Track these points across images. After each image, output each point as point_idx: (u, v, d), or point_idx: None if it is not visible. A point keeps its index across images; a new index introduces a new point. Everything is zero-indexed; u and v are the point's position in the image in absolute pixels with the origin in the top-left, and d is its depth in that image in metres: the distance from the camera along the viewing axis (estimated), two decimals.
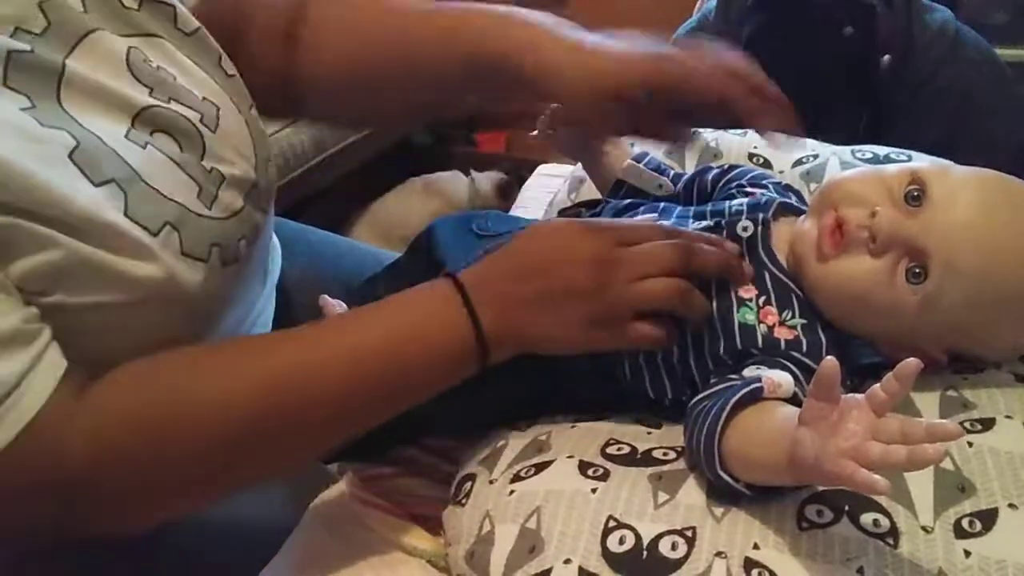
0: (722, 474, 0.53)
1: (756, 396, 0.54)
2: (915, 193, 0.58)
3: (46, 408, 0.50)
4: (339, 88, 0.75)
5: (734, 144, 0.91)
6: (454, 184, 2.06)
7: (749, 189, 0.73)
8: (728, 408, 0.53)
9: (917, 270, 0.57)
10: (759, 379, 0.54)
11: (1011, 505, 0.51)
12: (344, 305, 0.84)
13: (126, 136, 0.57)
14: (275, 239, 0.81)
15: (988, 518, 0.50)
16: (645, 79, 0.58)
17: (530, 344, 0.61)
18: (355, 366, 0.58)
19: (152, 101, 0.59)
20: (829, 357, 0.46)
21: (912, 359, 0.44)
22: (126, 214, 0.54)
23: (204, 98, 0.63)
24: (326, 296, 0.85)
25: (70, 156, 0.52)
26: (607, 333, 0.61)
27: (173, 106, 0.60)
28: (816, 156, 0.87)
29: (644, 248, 0.61)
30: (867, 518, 0.51)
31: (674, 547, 0.52)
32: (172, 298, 0.57)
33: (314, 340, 0.60)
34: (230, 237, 0.62)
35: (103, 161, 0.54)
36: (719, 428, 0.53)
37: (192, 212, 0.58)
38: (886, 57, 1.21)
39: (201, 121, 0.62)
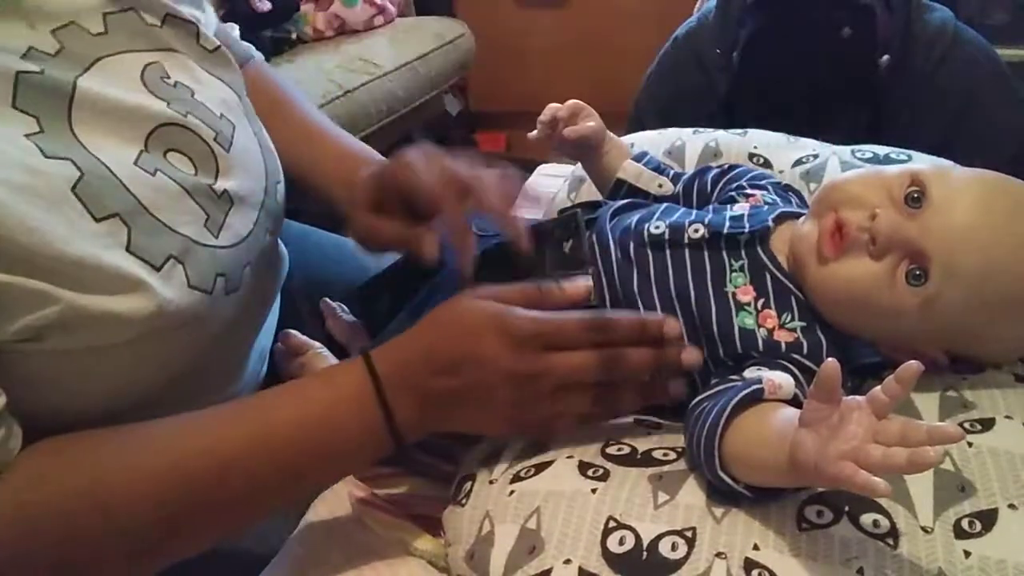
0: (722, 475, 0.53)
1: (757, 397, 0.54)
2: (915, 195, 0.58)
3: None
4: None
5: (734, 144, 0.91)
6: None
7: (749, 190, 0.73)
8: (728, 409, 0.53)
9: (917, 272, 0.57)
10: (760, 380, 0.54)
11: (1011, 505, 0.51)
12: (346, 308, 0.84)
13: (136, 162, 0.56)
14: (282, 247, 0.81)
15: (988, 518, 0.50)
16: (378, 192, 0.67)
17: (446, 430, 0.61)
18: (263, 453, 0.56)
19: (170, 113, 0.59)
20: (830, 359, 0.46)
21: (913, 362, 0.44)
22: (128, 249, 0.53)
23: (221, 115, 0.64)
24: (327, 299, 0.85)
25: (72, 190, 0.52)
26: (527, 429, 0.61)
27: (190, 120, 0.60)
28: (816, 156, 0.87)
29: (567, 362, 0.58)
30: (867, 519, 0.51)
31: (674, 547, 0.52)
32: (173, 333, 0.56)
33: (223, 425, 0.57)
34: (236, 265, 0.61)
35: (107, 194, 0.53)
36: (719, 429, 0.53)
37: (198, 243, 0.58)
38: (885, 57, 1.20)
39: (216, 140, 0.61)
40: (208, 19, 0.71)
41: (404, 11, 2.23)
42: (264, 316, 0.70)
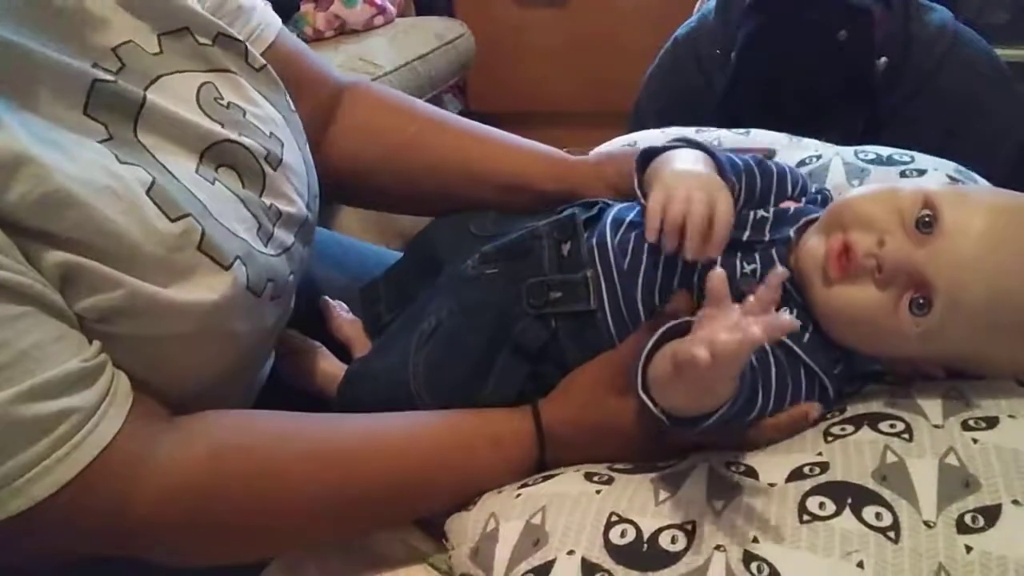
0: (642, 395, 0.55)
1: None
2: (927, 219, 0.57)
3: (120, 436, 0.51)
4: (353, 183, 0.83)
5: (736, 144, 0.91)
6: None
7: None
8: (659, 335, 0.55)
9: (921, 301, 0.56)
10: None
11: (1015, 501, 0.50)
12: (345, 306, 0.84)
13: (196, 172, 0.58)
14: None
15: (991, 514, 0.50)
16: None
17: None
18: (418, 474, 0.61)
19: (224, 132, 0.61)
20: (717, 270, 0.50)
21: (781, 269, 0.49)
22: (200, 248, 0.55)
23: (271, 134, 0.65)
24: (327, 298, 0.85)
25: (147, 193, 0.53)
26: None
27: (243, 139, 0.62)
28: (819, 157, 0.87)
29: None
30: (869, 511, 0.51)
31: (674, 540, 0.52)
32: (225, 331, 0.58)
33: (395, 443, 0.62)
34: (282, 273, 0.64)
35: (178, 196, 0.55)
36: (646, 351, 0.55)
37: (254, 248, 0.60)
38: (883, 59, 1.20)
39: (265, 159, 0.64)
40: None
41: (404, 11, 2.22)
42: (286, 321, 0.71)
